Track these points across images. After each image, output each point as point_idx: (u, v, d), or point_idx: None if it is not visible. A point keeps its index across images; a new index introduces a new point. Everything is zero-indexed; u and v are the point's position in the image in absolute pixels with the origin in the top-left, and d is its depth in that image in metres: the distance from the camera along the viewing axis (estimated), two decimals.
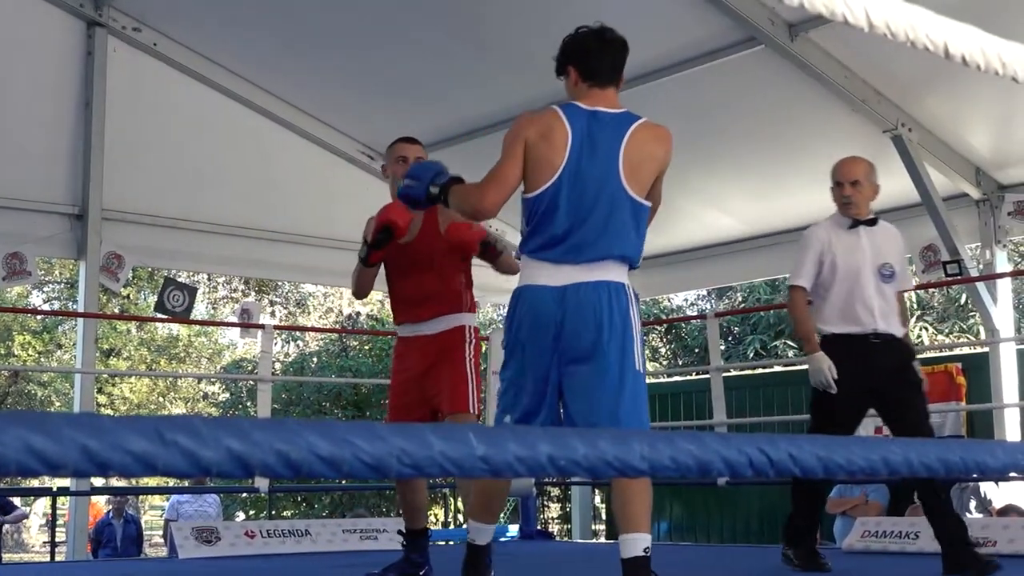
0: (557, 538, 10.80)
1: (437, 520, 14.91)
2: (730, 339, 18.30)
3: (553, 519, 15.95)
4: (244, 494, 14.34)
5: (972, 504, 8.04)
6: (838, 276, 4.89)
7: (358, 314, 20.73)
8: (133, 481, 10.88)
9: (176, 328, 21.29)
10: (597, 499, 12.44)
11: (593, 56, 3.68)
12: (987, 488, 7.94)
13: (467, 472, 0.82)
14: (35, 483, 13.17)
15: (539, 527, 9.11)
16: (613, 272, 3.58)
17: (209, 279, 21.25)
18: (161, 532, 14.92)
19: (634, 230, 3.64)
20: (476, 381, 4.65)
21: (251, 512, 15.51)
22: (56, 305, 21.05)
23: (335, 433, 0.78)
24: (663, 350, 20.10)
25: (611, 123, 3.61)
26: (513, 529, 9.50)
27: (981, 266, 7.96)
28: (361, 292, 4.91)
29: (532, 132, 3.58)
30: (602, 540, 10.85)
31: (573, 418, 3.59)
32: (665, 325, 19.54)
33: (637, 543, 3.45)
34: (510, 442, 0.84)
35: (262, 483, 7.53)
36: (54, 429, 0.70)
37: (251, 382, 14.49)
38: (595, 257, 3.54)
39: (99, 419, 0.72)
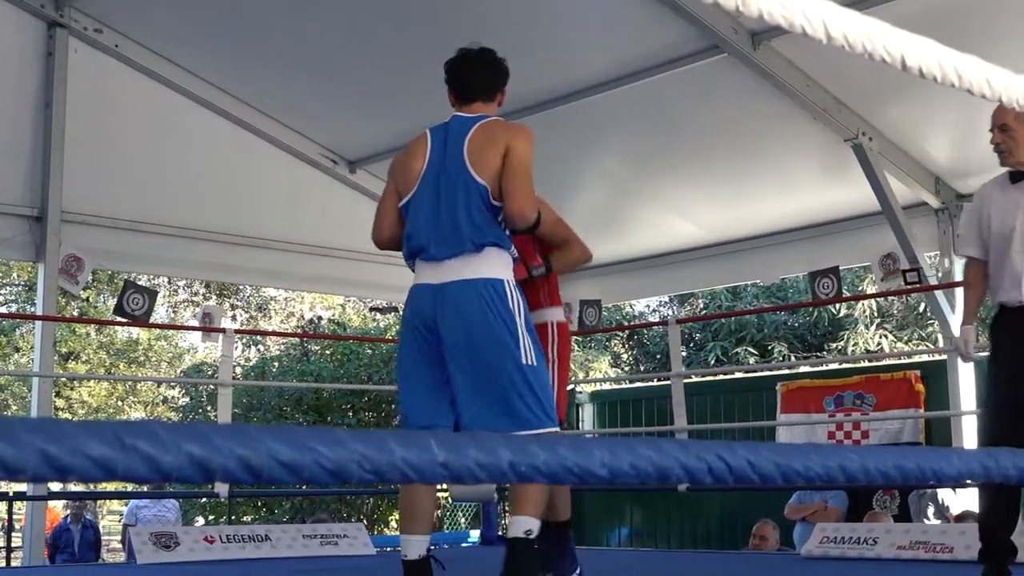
0: None
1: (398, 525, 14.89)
2: (691, 345, 18.38)
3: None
4: (204, 499, 14.25)
5: (930, 511, 8.12)
6: (992, 240, 4.25)
7: (320, 318, 20.67)
8: (91, 485, 10.80)
9: (136, 332, 21.14)
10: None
11: (453, 76, 3.98)
12: (945, 495, 8.02)
13: (428, 478, 0.83)
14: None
15: (500, 533, 9.11)
16: (488, 266, 3.71)
17: (170, 282, 21.13)
18: (120, 537, 14.81)
19: (491, 220, 3.74)
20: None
21: (211, 517, 15.41)
22: (14, 308, 20.86)
23: (295, 438, 0.79)
24: (625, 356, 20.16)
25: (462, 124, 3.85)
26: (475, 535, 9.50)
27: (940, 274, 8.04)
28: None
29: (400, 159, 3.95)
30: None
31: (462, 415, 3.71)
32: (627, 331, 19.60)
33: (519, 524, 3.62)
34: (471, 448, 0.84)
35: (222, 488, 7.49)
36: (12, 433, 0.70)
37: (212, 386, 14.40)
38: (464, 250, 3.70)
39: (58, 423, 0.72)
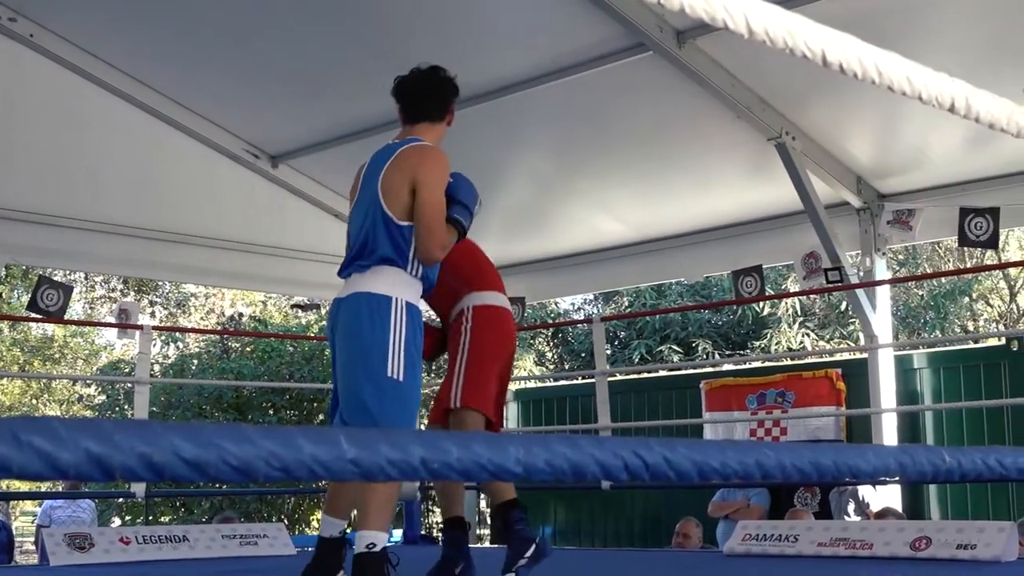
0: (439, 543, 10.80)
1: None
2: (616, 344, 18.47)
3: (438, 524, 15.93)
4: (120, 499, 14.05)
5: (850, 507, 8.23)
6: None
7: (240, 315, 20.47)
8: (5, 485, 10.59)
9: (51, 328, 20.79)
10: (483, 504, 12.46)
11: (398, 96, 4.21)
12: (865, 491, 8.13)
13: (337, 476, 0.81)
14: None
15: (423, 532, 9.09)
16: (377, 282, 3.91)
17: (86, 278, 20.80)
18: (33, 539, 14.55)
19: (390, 241, 3.92)
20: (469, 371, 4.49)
21: (128, 518, 15.20)
22: None
23: (201, 435, 0.77)
24: (549, 354, 20.20)
25: (389, 150, 4.05)
26: (397, 534, 9.46)
27: (861, 273, 8.15)
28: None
29: (358, 176, 4.16)
30: (486, 545, 10.85)
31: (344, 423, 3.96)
32: (551, 329, 19.65)
33: (363, 539, 3.78)
34: (381, 444, 0.83)
35: (138, 487, 7.39)
36: None
37: (129, 384, 14.20)
38: (359, 268, 3.95)
39: None
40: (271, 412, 14.90)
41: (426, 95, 4.17)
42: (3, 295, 20.26)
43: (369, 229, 3.94)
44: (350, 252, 4.03)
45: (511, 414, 11.38)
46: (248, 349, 16.48)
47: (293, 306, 18.98)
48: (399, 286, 3.91)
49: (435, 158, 3.99)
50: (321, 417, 14.62)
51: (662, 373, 12.17)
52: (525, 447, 0.93)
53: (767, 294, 10.69)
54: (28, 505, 20.11)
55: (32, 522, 16.70)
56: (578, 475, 0.97)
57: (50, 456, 0.73)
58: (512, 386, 12.38)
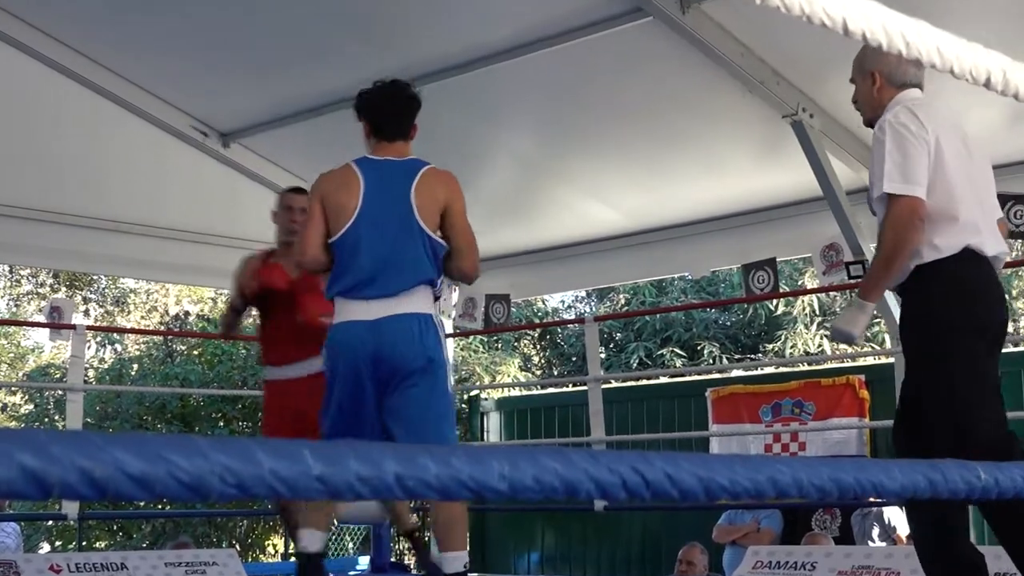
0: (412, 571, 10.82)
1: (276, 551, 14.78)
2: (611, 346, 18.50)
3: (409, 550, 15.93)
4: (50, 522, 14.02)
5: (875, 531, 8.27)
6: None
7: (187, 314, 20.44)
8: None
9: None
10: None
11: (378, 113, 4.68)
12: (891, 514, 8.17)
13: (301, 493, 0.82)
14: None
15: (393, 559, 9.09)
16: (420, 302, 4.47)
17: (11, 271, 20.72)
18: None
19: (431, 261, 4.53)
20: None
21: (58, 543, 15.17)
22: None
23: (148, 448, 0.77)
24: (536, 358, 20.23)
25: (400, 169, 4.58)
26: (364, 561, 9.47)
27: None
28: (226, 332, 5.98)
29: (327, 186, 4.63)
30: None
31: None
32: (539, 330, 19.67)
33: (458, 559, 4.50)
34: (351, 460, 0.83)
35: (70, 508, 7.38)
36: None
37: (60, 392, 14.17)
38: (401, 289, 4.44)
39: None
40: (221, 423, 14.88)
41: (401, 113, 4.71)
42: None
43: (408, 248, 4.48)
44: (377, 269, 4.45)
45: (492, 425, 11.40)
46: (195, 352, 16.46)
47: None
48: (433, 305, 4.56)
49: (457, 184, 4.69)
50: None
51: (663, 380, 12.18)
52: (511, 462, 0.93)
53: (781, 291, 10.73)
54: None
55: None
56: (570, 493, 0.98)
57: None
58: (494, 394, 12.39)
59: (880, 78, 4.38)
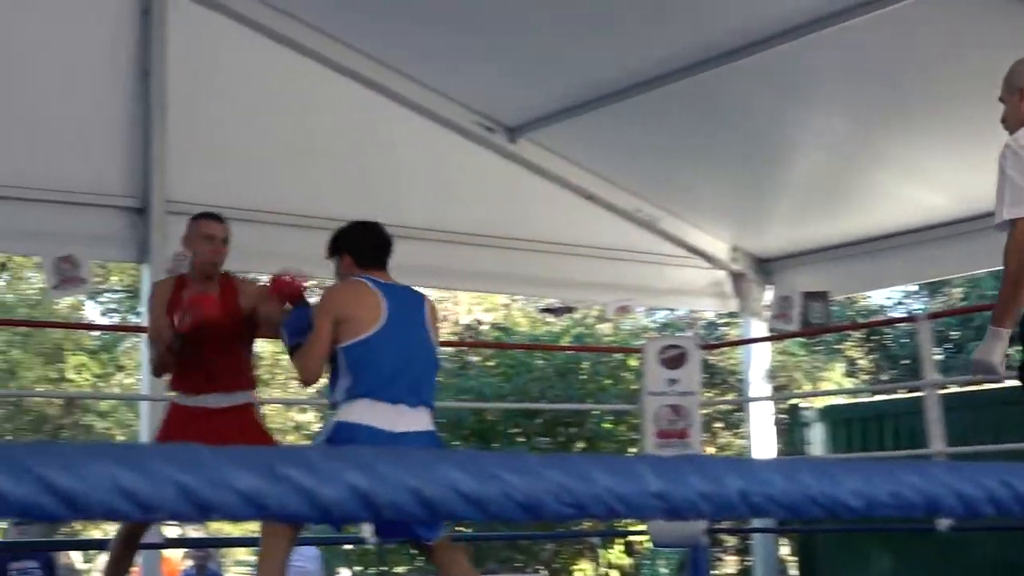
0: None
1: None
2: (948, 346, 17.99)
3: None
4: (348, 545, 14.48)
5: None
6: None
7: (479, 323, 20.84)
8: (214, 531, 11.05)
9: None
10: (784, 550, 12.33)
11: (365, 248, 5.37)
12: None
13: (639, 512, 0.83)
14: (97, 533, 13.45)
15: None
16: (430, 421, 5.08)
17: None
18: None
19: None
20: None
21: (357, 568, 15.67)
22: (116, 319, 21.56)
23: (480, 466, 0.79)
24: (862, 362, 19.83)
25: (408, 294, 5.34)
26: None
27: None
28: (163, 372, 5.85)
29: (339, 300, 5.17)
30: None
31: None
32: (863, 330, 19.28)
33: None
34: (691, 476, 0.84)
35: (368, 530, 7.60)
36: (145, 464, 0.72)
37: None
38: (423, 403, 5.03)
39: (198, 451, 0.74)
40: (520, 439, 15.08)
41: (388, 246, 5.45)
42: None
43: (431, 374, 5.18)
44: (411, 382, 5.02)
45: (816, 437, 11.22)
46: (490, 364, 16.73)
47: (542, 310, 19.21)
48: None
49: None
50: (581, 445, 14.72)
51: (1009, 384, 11.76)
52: (864, 476, 0.92)
53: None
54: (242, 553, 20.85)
55: (248, 574, 17.38)
56: (931, 509, 0.96)
57: (308, 491, 0.77)
58: (816, 403, 12.23)
59: None
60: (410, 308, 5.26)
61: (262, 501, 0.76)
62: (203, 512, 0.74)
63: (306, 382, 5.27)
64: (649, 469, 0.85)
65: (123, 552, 5.68)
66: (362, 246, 5.41)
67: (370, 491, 0.79)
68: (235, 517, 0.76)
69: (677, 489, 0.86)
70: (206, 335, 5.52)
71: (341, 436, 4.88)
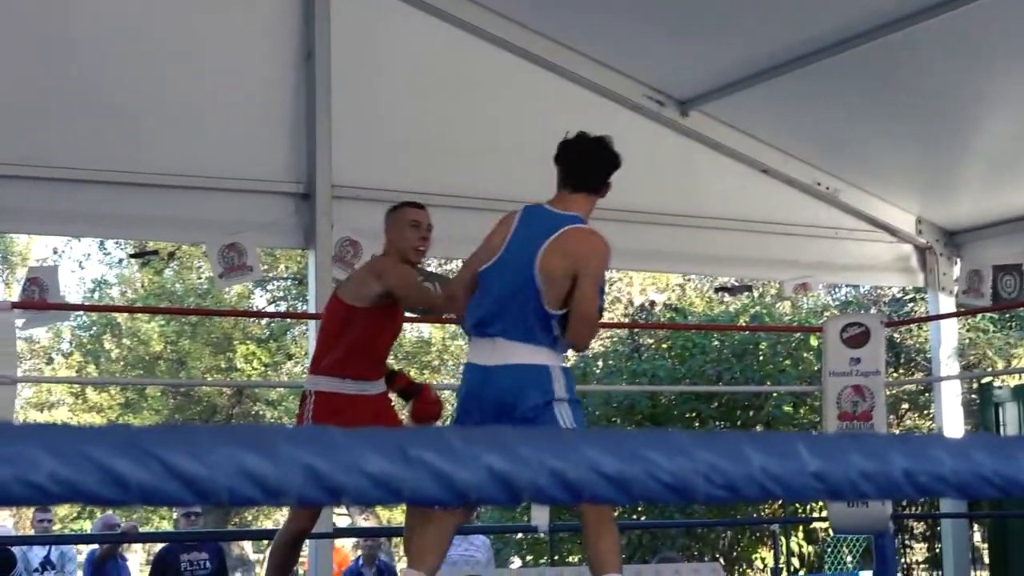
0: None
1: (765, 566, 14.81)
2: None
3: (918, 564, 15.58)
4: (519, 534, 14.56)
5: None
6: None
7: (652, 303, 20.75)
8: (385, 520, 11.18)
9: (428, 329, 21.82)
10: (977, 536, 12.07)
11: (570, 163, 5.16)
12: None
13: (796, 493, 0.80)
14: (268, 524, 13.68)
15: (899, 574, 8.92)
16: (536, 354, 4.84)
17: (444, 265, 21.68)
18: None
19: (540, 327, 4.84)
20: None
21: (529, 558, 15.73)
22: (283, 306, 21.94)
23: (625, 446, 0.77)
24: None
25: (550, 222, 4.98)
26: None
27: None
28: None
29: (494, 229, 5.14)
30: None
31: None
32: None
33: None
34: (852, 453, 0.81)
35: (540, 520, 7.63)
36: (272, 447, 0.72)
37: None
38: (513, 338, 4.83)
39: (328, 433, 0.73)
40: (696, 424, 15.00)
41: (596, 167, 5.16)
42: None
43: (517, 311, 4.84)
44: (490, 311, 4.88)
45: (1010, 417, 10.95)
46: (664, 346, 16.66)
47: (718, 290, 19.08)
48: (550, 356, 4.90)
49: (601, 251, 4.97)
50: (759, 429, 14.58)
51: None
52: None
53: None
54: None
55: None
56: None
57: (444, 475, 0.76)
58: (1010, 380, 11.94)
59: None
60: (530, 239, 4.98)
61: (396, 485, 0.74)
62: (333, 496, 0.73)
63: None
64: (806, 447, 0.82)
65: (286, 558, 5.86)
66: (563, 162, 5.28)
67: (509, 473, 0.77)
68: (367, 502, 0.76)
69: (837, 468, 0.82)
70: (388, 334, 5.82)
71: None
